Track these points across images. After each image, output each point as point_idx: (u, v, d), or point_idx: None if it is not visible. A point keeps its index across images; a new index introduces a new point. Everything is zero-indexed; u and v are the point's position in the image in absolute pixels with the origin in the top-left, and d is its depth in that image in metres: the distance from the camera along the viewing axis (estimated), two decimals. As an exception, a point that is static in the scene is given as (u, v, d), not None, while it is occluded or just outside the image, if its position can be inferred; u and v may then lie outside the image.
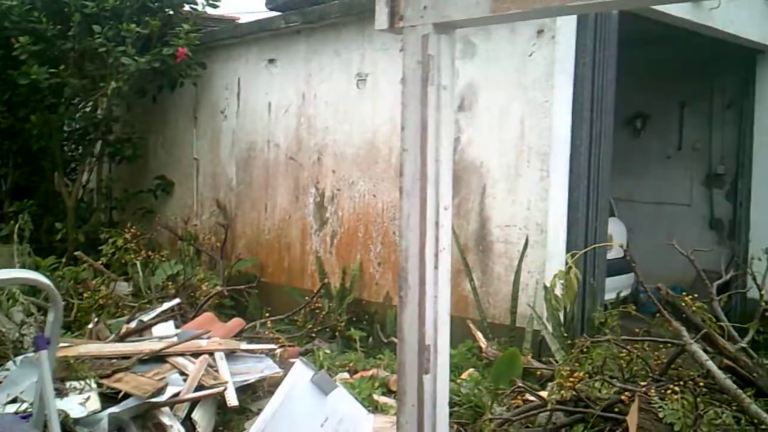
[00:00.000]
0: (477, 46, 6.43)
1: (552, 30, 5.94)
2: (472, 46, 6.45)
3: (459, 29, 2.90)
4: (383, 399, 4.86)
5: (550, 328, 5.68)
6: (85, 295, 6.58)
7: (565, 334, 5.59)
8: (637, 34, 7.00)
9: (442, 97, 2.72)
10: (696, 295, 4.74)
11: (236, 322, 5.96)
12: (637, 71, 8.78)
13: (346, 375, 5.50)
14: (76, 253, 7.61)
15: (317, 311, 7.01)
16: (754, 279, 5.73)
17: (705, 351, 4.35)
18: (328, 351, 6.15)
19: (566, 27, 6.00)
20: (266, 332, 6.17)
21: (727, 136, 9.50)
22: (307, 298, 7.14)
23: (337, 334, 6.80)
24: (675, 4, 6.46)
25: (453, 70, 2.81)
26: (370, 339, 6.79)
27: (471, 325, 5.99)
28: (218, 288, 7.12)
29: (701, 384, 4.05)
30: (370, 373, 5.43)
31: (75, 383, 4.26)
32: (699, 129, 9.89)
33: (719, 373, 4.13)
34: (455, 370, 5.37)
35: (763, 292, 5.19)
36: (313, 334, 6.75)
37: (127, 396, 4.21)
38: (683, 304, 4.52)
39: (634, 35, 6.83)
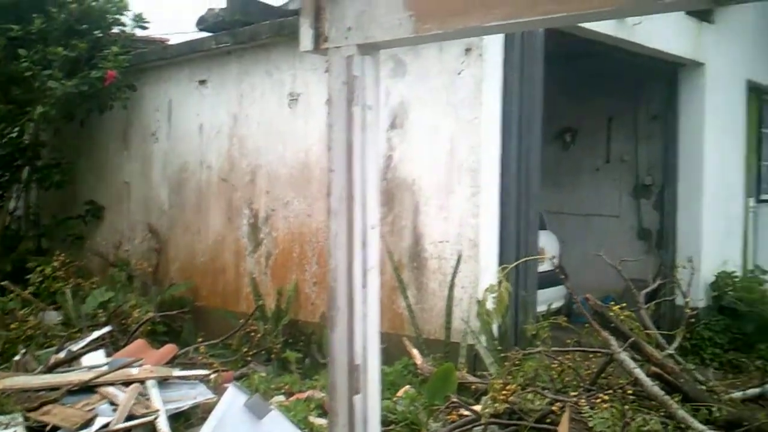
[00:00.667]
0: (407, 65, 6.49)
1: (479, 48, 6.04)
2: (403, 65, 6.51)
3: (384, 49, 2.94)
4: (319, 421, 4.84)
5: (483, 341, 5.74)
6: (12, 326, 6.39)
7: (499, 348, 5.66)
8: (564, 49, 7.16)
9: (368, 117, 2.75)
10: (624, 305, 4.86)
11: (168, 349, 5.86)
12: (565, 86, 8.98)
13: (281, 398, 5.45)
14: (2, 282, 7.41)
15: (252, 334, 6.94)
16: (679, 287, 5.89)
17: (634, 359, 4.45)
18: (263, 374, 6.09)
19: (493, 45, 6.11)
20: (200, 357, 6.09)
21: (653, 148, 9.75)
22: (241, 320, 7.07)
23: (272, 356, 6.74)
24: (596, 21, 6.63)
25: (378, 90, 2.84)
26: (307, 360, 6.75)
27: (406, 342, 6.01)
28: (150, 314, 6.99)
29: (630, 392, 4.15)
30: (306, 395, 5.39)
31: (1, 418, 4.14)
32: (626, 141, 10.13)
33: (647, 381, 4.23)
34: (391, 387, 5.38)
35: (687, 299, 5.33)
36: (249, 358, 6.67)
37: (55, 429, 4.10)
38: (611, 313, 4.62)
39: (560, 51, 6.98)
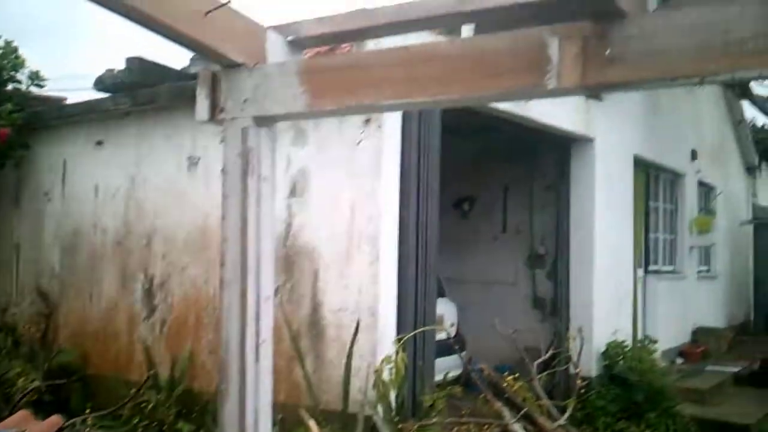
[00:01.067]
0: (308, 134, 6.55)
1: (378, 119, 6.16)
2: (304, 134, 6.57)
3: (282, 121, 2.97)
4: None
5: (380, 412, 5.71)
6: None
7: (396, 419, 5.64)
8: (462, 121, 7.36)
9: (263, 189, 2.75)
10: (517, 375, 4.94)
11: (54, 420, 5.52)
12: (463, 156, 9.22)
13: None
14: None
15: (144, 404, 6.70)
16: (570, 357, 6.03)
17: (526, 430, 4.51)
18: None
19: (392, 117, 6.24)
20: (87, 430, 5.83)
21: (547, 218, 10.06)
22: (133, 390, 6.82)
23: (165, 428, 6.52)
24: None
25: (274, 161, 2.86)
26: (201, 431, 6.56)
27: (303, 413, 5.92)
28: (36, 383, 6.69)
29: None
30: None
31: None
32: (521, 211, 10.43)
33: (539, 451, 4.29)
34: (287, 460, 5.27)
35: (578, 369, 5.47)
36: (140, 430, 6.44)
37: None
38: (504, 384, 4.69)
39: (458, 122, 7.18)
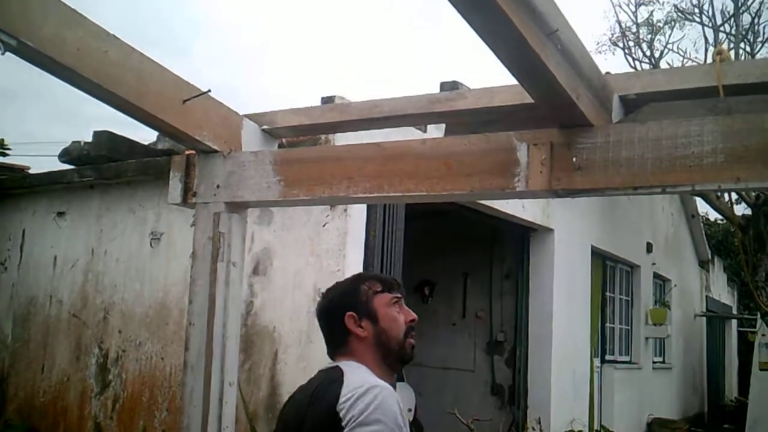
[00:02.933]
0: (274, 214, 6.59)
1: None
2: (269, 213, 6.60)
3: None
4: None
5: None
6: None
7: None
8: (426, 207, 7.47)
9: (232, 274, 2.78)
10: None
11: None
12: (425, 241, 9.30)
13: None
14: None
15: (91, 483, 6.52)
16: (528, 447, 6.01)
17: None
18: None
19: (358, 200, 6.32)
20: None
21: (506, 305, 10.13)
22: (81, 468, 6.64)
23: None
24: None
25: (243, 246, 2.89)
26: None
27: (256, 497, 5.80)
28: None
29: None
30: None
31: None
32: (481, 298, 10.49)
33: None
34: None
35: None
36: None
37: None
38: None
39: (422, 208, 7.29)
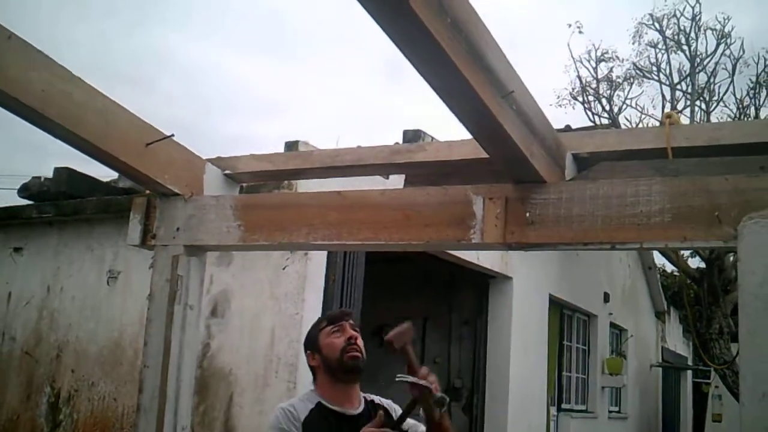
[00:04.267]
0: (233, 255, 6.57)
1: (305, 246, 6.25)
2: (229, 255, 6.58)
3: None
4: None
5: None
6: None
7: None
8: (384, 253, 7.51)
9: (189, 317, 2.78)
10: None
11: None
12: (384, 285, 9.31)
13: None
14: None
15: None
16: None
17: None
18: None
19: (319, 244, 6.33)
20: None
21: (465, 352, 10.15)
22: None
23: None
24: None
25: (201, 290, 2.90)
26: None
27: None
28: None
29: None
30: None
31: None
32: (439, 343, 10.50)
33: None
34: None
35: None
36: None
37: None
38: None
39: (381, 253, 7.32)
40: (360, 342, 2.94)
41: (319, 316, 6.32)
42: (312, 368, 2.93)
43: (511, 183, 2.17)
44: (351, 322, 2.97)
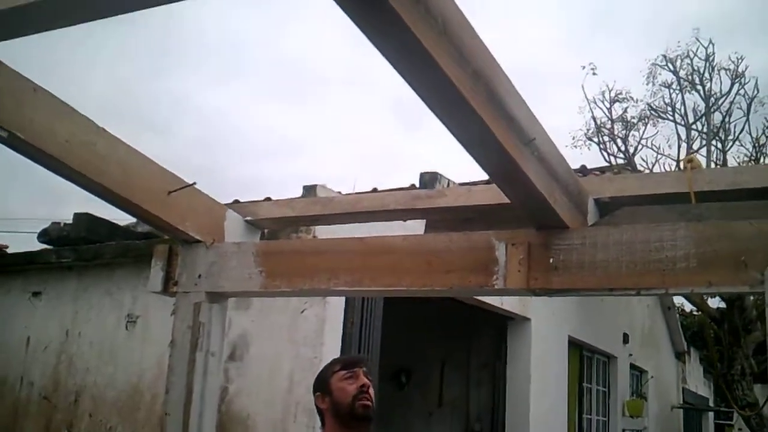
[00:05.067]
0: (252, 299, 6.57)
1: (323, 290, 6.23)
2: (248, 299, 6.59)
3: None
4: None
5: None
6: None
7: None
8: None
9: (210, 364, 2.78)
10: None
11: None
12: (401, 327, 9.27)
13: None
14: None
15: None
16: None
17: None
18: None
19: (337, 287, 6.32)
20: None
21: (483, 395, 10.05)
22: None
23: None
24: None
25: (223, 336, 2.90)
26: None
27: None
28: None
29: None
30: None
31: None
32: (458, 386, 10.41)
33: None
34: None
35: None
36: None
37: None
38: None
39: (400, 297, 7.28)
40: (372, 391, 2.89)
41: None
42: (320, 410, 2.89)
43: (533, 228, 2.17)
44: (365, 369, 2.95)
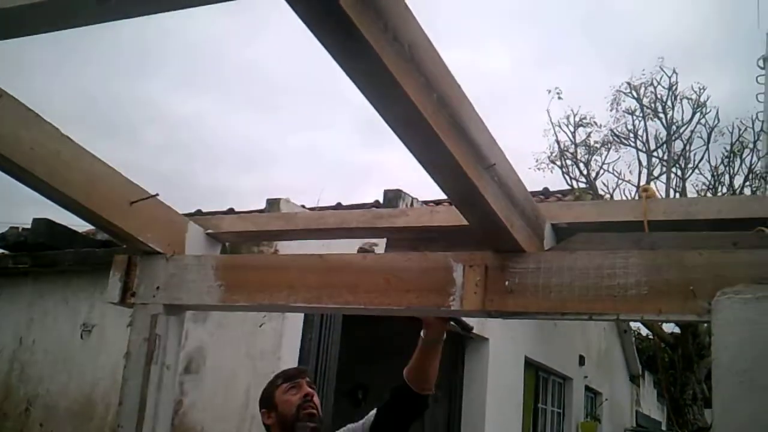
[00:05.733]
0: (210, 312, 6.53)
1: (283, 304, 6.23)
2: (205, 311, 6.55)
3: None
4: None
5: None
6: None
7: None
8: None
9: (165, 377, 2.76)
10: None
11: None
12: (358, 343, 9.27)
13: None
14: None
15: None
16: None
17: None
18: None
19: (297, 302, 6.32)
20: None
21: (439, 413, 10.05)
22: None
23: None
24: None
25: (178, 350, 2.89)
26: None
27: None
28: None
29: None
30: None
31: None
32: (415, 404, 10.39)
33: None
34: None
35: None
36: None
37: None
38: None
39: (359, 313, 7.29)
40: (316, 399, 2.96)
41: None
42: (267, 427, 2.91)
43: (490, 251, 2.21)
44: (307, 379, 3.02)
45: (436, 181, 1.86)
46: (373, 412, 3.23)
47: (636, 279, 1.99)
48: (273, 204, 5.83)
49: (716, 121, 18.20)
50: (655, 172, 18.14)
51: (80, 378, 7.12)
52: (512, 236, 2.06)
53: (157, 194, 2.67)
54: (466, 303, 2.19)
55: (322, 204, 9.01)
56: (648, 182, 16.89)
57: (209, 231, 2.94)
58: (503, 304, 2.15)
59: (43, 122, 2.28)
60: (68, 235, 7.81)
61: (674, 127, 18.30)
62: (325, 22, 1.38)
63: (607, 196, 17.53)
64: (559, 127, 19.19)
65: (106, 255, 6.94)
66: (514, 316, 2.19)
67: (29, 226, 7.97)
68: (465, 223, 2.24)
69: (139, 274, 2.82)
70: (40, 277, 7.73)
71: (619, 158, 19.15)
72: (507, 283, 2.14)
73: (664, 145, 18.36)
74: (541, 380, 11.93)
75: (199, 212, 6.81)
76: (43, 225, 7.72)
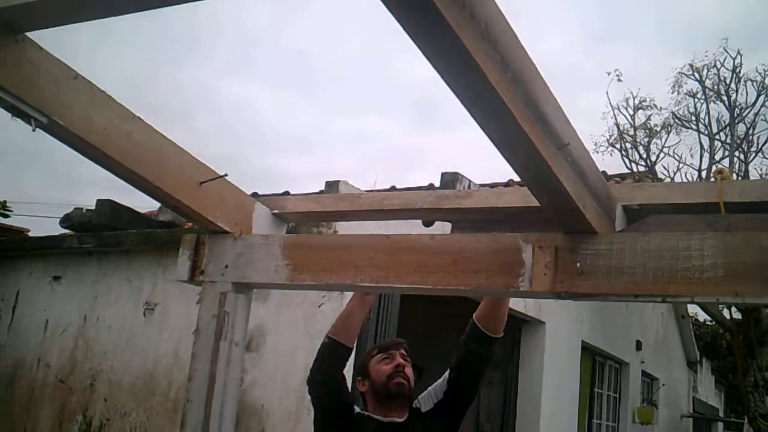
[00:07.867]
0: (271, 291, 6.61)
1: (342, 285, 6.26)
2: (266, 290, 6.63)
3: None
4: None
5: None
6: None
7: None
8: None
9: (233, 353, 2.81)
10: None
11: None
12: (415, 324, 9.29)
13: None
14: None
15: None
16: None
17: None
18: None
19: (355, 283, 6.35)
20: None
21: (495, 395, 10.04)
22: None
23: None
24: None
25: (246, 327, 2.93)
26: None
27: None
28: None
29: None
30: None
31: None
32: (470, 386, 10.39)
33: None
34: None
35: None
36: None
37: None
38: None
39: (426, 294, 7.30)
40: (408, 371, 3.17)
41: (353, 354, 6.33)
42: (362, 394, 3.12)
43: (561, 232, 2.19)
44: (402, 351, 3.25)
45: (508, 161, 1.85)
46: (447, 372, 3.53)
47: (712, 261, 1.96)
48: (332, 186, 5.85)
49: (782, 104, 17.74)
50: (717, 156, 17.77)
51: (143, 355, 7.28)
52: (584, 217, 2.04)
53: (226, 174, 2.71)
54: (535, 284, 2.18)
55: (378, 187, 9.01)
56: (710, 166, 16.55)
57: (275, 211, 2.97)
58: (574, 286, 2.13)
59: (115, 103, 2.32)
60: (131, 215, 7.97)
61: (737, 110, 17.86)
62: (405, 1, 1.38)
63: (667, 179, 17.24)
64: (619, 109, 18.88)
65: (167, 235, 7.06)
66: (585, 298, 2.18)
67: (92, 208, 8.16)
68: (532, 205, 2.23)
69: (207, 253, 2.87)
70: (104, 257, 7.91)
71: (679, 142, 18.80)
72: (578, 264, 2.12)
73: (727, 128, 17.94)
74: (597, 365, 11.81)
75: (255, 194, 6.88)
76: (107, 206, 7.89)
